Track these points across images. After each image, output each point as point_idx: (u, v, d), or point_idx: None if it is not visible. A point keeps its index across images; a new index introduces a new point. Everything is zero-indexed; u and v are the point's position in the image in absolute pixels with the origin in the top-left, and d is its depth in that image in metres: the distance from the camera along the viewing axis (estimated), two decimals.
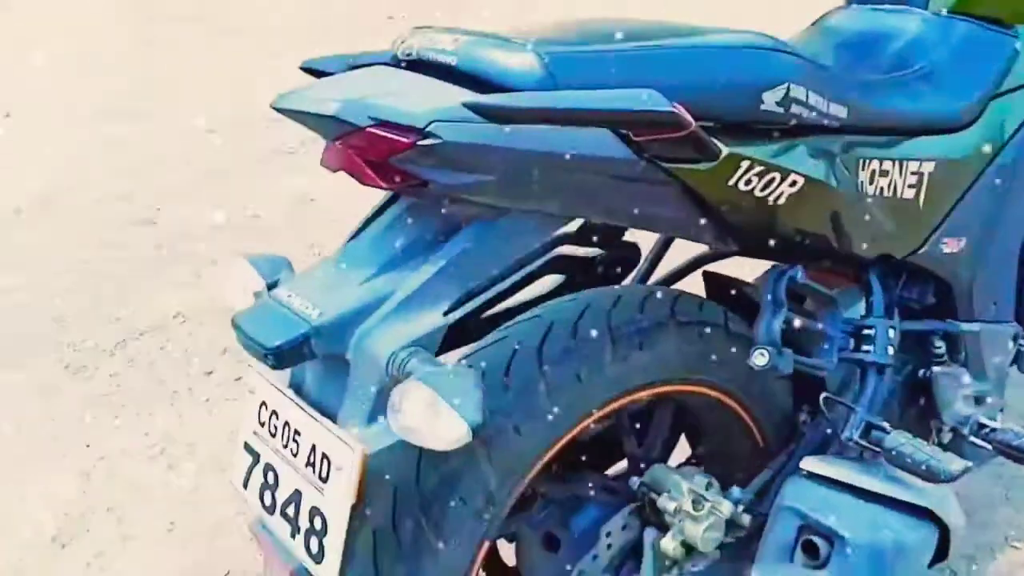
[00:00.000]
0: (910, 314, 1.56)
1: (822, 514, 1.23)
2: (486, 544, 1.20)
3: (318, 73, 1.17)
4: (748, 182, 1.12)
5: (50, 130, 4.58)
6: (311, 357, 1.02)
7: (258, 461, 1.14)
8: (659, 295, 1.30)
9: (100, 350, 2.78)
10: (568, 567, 1.37)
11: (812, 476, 1.29)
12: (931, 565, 1.39)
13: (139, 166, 4.08)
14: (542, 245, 1.51)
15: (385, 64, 1.13)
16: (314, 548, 1.04)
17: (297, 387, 1.13)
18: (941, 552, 1.36)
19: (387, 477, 1.19)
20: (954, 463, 1.22)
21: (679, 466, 1.44)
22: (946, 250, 1.45)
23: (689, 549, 1.35)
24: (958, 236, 1.46)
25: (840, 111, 1.22)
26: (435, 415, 0.88)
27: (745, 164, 1.11)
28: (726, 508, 1.32)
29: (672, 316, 1.29)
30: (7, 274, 3.22)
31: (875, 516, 1.23)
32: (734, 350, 1.31)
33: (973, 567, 1.90)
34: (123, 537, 2.08)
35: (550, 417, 1.18)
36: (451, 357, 1.25)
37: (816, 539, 1.23)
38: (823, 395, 1.36)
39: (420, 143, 0.95)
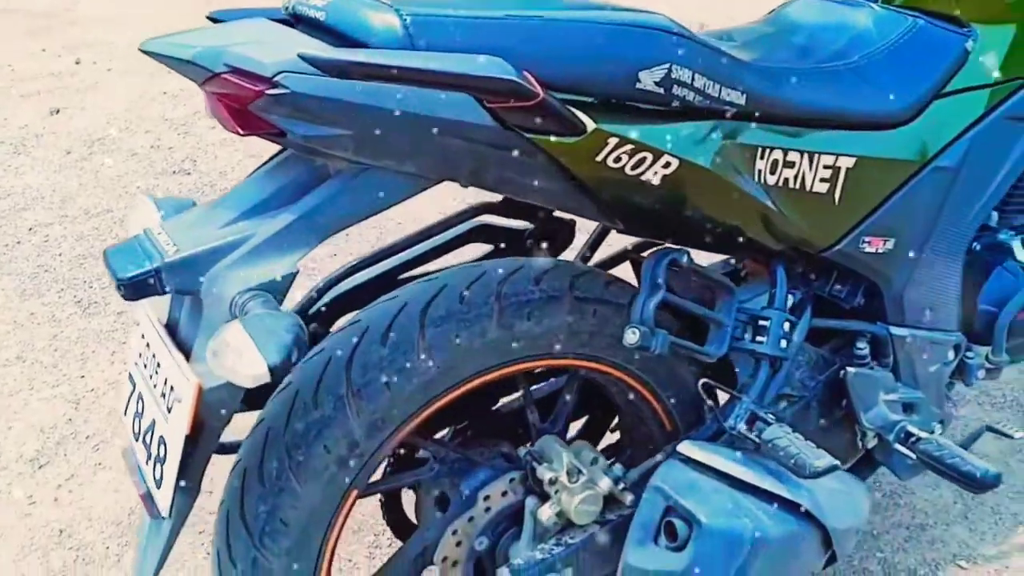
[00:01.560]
0: (841, 313, 1.53)
1: (684, 497, 1.23)
2: (354, 494, 1.23)
3: (220, 23, 1.20)
4: (617, 160, 1.11)
5: (114, 80, 4.76)
6: (161, 292, 1.05)
7: (135, 390, 1.20)
8: (561, 269, 1.30)
9: (112, 289, 2.90)
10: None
11: (687, 460, 1.29)
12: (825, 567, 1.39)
13: (188, 119, 4.21)
14: (461, 212, 1.53)
15: (270, 18, 1.15)
16: (157, 474, 1.08)
17: (172, 323, 1.17)
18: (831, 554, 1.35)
19: (263, 419, 1.24)
20: (821, 460, 1.19)
21: (571, 441, 1.45)
22: (868, 249, 1.40)
23: (570, 522, 1.36)
24: (884, 236, 1.41)
25: (736, 97, 1.19)
26: (240, 353, 0.91)
27: (614, 141, 1.09)
28: (604, 484, 1.33)
29: (570, 291, 1.29)
30: (43, 211, 3.38)
31: (737, 504, 1.22)
32: None
33: None
34: (96, 464, 2.19)
35: (424, 377, 1.20)
36: (354, 314, 1.29)
37: (677, 521, 1.23)
38: (702, 381, 1.34)
39: (269, 92, 0.97)
